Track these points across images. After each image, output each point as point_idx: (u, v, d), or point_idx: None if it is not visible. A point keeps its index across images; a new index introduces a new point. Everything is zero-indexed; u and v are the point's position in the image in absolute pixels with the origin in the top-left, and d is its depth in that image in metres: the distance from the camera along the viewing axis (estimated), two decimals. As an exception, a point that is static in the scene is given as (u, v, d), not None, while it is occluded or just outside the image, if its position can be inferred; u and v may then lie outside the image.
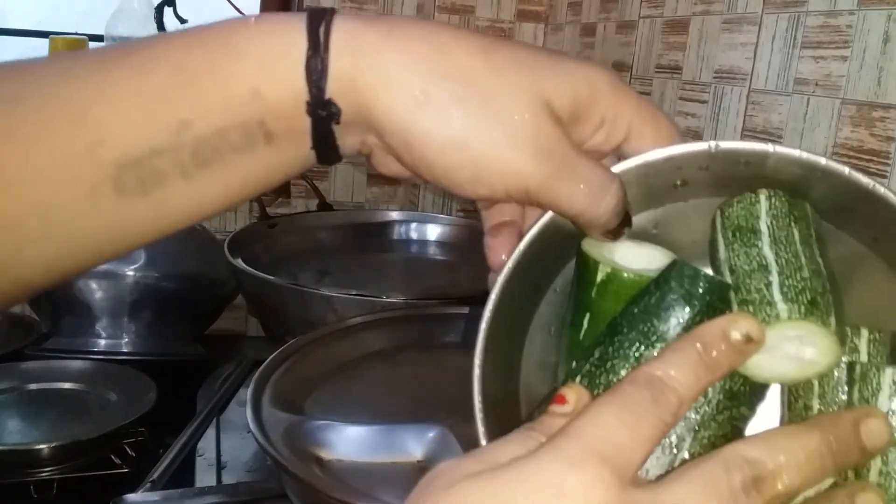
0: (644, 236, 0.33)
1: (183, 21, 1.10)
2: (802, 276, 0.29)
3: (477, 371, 0.30)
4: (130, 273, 1.03)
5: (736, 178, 0.32)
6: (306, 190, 1.29)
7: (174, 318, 1.07)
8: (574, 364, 0.31)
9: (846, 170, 0.29)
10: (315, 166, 0.32)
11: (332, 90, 0.28)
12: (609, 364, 0.29)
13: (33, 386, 0.91)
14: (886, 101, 0.54)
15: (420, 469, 0.57)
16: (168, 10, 1.09)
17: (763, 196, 0.31)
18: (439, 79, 0.28)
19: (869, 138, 0.55)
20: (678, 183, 0.33)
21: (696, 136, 0.77)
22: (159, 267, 1.04)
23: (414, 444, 0.59)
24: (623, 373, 0.29)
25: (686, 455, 0.28)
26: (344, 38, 0.28)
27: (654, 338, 0.29)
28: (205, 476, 0.73)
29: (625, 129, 0.31)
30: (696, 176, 0.32)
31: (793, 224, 0.30)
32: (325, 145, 0.29)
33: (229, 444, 0.78)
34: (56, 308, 1.05)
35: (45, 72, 0.29)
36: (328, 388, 0.70)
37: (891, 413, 0.27)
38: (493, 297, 0.30)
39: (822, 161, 0.29)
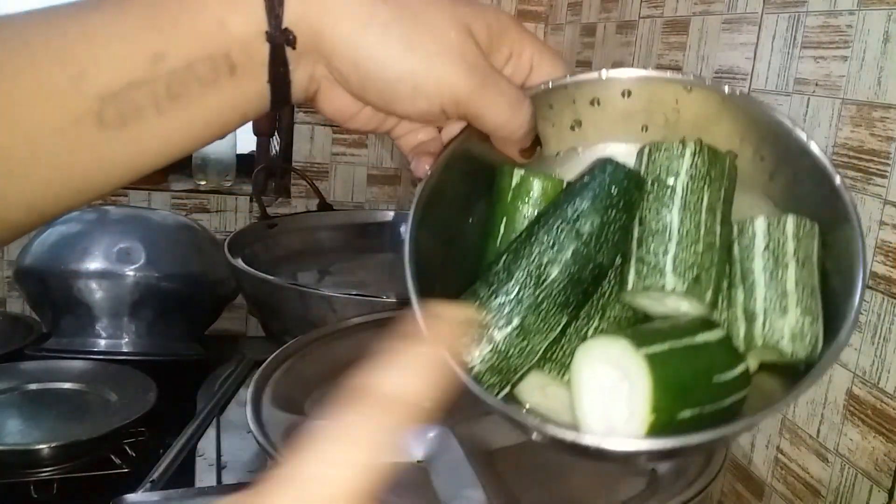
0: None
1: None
2: (696, 251, 0.33)
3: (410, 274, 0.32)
4: (130, 273, 1.03)
5: (625, 116, 0.36)
6: (306, 190, 1.29)
7: (174, 319, 1.07)
8: (503, 246, 0.35)
9: (705, 80, 0.33)
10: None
11: (289, 19, 0.31)
12: (534, 238, 0.33)
13: (33, 386, 0.91)
14: (886, 101, 0.54)
15: (420, 469, 0.57)
16: None
17: (689, 151, 0.34)
18: (379, 3, 0.31)
19: (869, 138, 0.55)
20: (573, 123, 0.37)
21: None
22: (159, 267, 1.04)
23: (414, 444, 0.59)
24: (546, 241, 0.33)
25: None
26: None
27: (577, 215, 0.33)
28: (205, 476, 0.73)
29: (528, 62, 0.35)
30: (589, 114, 0.37)
31: (706, 187, 0.34)
32: (279, 76, 0.32)
33: (229, 444, 0.78)
34: (56, 308, 1.05)
35: (26, 19, 0.31)
36: (328, 388, 0.70)
37: (765, 250, 0.33)
38: (417, 197, 0.33)
39: (680, 76, 0.34)
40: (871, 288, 0.55)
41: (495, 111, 0.33)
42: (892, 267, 0.53)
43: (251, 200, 1.32)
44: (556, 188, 0.36)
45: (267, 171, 1.27)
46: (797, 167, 0.33)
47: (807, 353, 0.31)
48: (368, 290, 0.84)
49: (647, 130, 0.36)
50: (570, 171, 0.38)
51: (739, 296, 0.33)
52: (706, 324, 0.32)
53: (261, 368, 0.67)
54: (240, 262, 0.92)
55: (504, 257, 0.34)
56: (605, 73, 0.35)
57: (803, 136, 0.32)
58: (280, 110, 0.35)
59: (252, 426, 0.59)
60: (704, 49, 0.76)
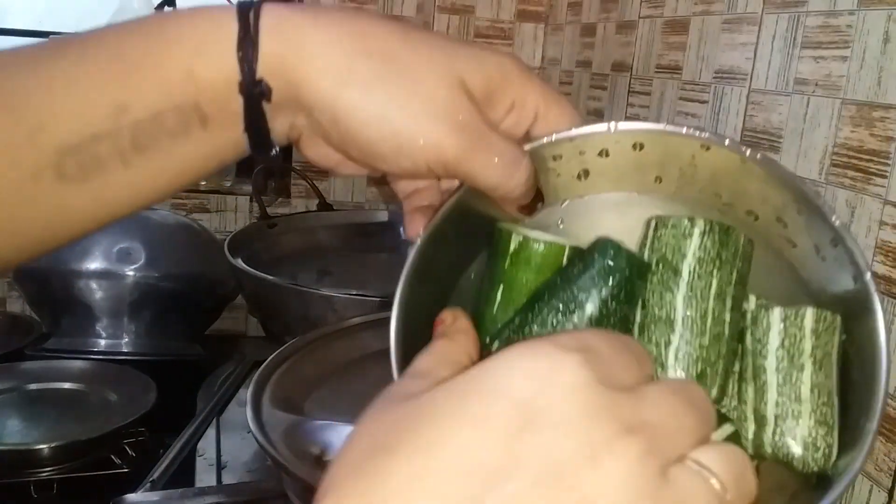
0: (550, 232, 0.35)
1: (183, 21, 1.10)
2: (701, 344, 0.31)
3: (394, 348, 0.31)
4: (130, 273, 1.03)
5: (637, 167, 0.34)
6: (306, 190, 1.29)
7: (174, 318, 1.07)
8: (494, 331, 0.33)
9: (726, 139, 0.31)
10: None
11: (263, 70, 0.29)
12: (527, 329, 0.31)
13: (33, 386, 0.91)
14: (886, 102, 0.54)
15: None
16: (168, 10, 1.08)
17: (697, 230, 0.32)
18: (362, 56, 0.29)
19: (869, 138, 0.55)
20: (580, 173, 0.35)
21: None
22: (159, 267, 1.04)
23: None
24: (538, 333, 0.30)
25: None
26: (272, 21, 0.29)
27: (573, 306, 0.31)
28: (205, 476, 0.73)
29: (533, 112, 0.33)
30: (597, 165, 0.34)
31: (715, 270, 0.31)
32: (257, 127, 0.30)
33: (229, 444, 0.78)
34: (56, 308, 1.05)
35: None
36: (328, 388, 0.70)
37: (780, 347, 0.31)
38: (408, 265, 0.32)
39: (705, 134, 0.31)
40: (870, 288, 0.55)
41: (488, 173, 0.30)
42: (892, 267, 0.53)
43: (251, 200, 1.32)
44: (558, 254, 0.33)
45: (267, 171, 1.27)
46: (820, 241, 0.31)
47: (819, 466, 0.30)
48: (368, 290, 0.84)
49: (660, 182, 0.34)
50: (577, 220, 0.36)
51: (750, 393, 0.31)
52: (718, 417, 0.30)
53: (261, 368, 0.67)
54: (240, 262, 0.92)
55: (496, 345, 0.31)
56: (614, 126, 0.33)
57: (835, 218, 0.30)
58: (264, 156, 0.33)
59: (252, 426, 0.59)
60: (704, 49, 0.76)
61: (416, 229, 0.33)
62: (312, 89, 0.29)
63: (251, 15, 0.29)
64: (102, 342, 1.03)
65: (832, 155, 0.58)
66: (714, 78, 0.74)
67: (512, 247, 0.33)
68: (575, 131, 0.33)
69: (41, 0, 1.22)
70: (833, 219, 0.30)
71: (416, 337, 0.31)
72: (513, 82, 0.32)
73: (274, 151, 0.32)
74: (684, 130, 0.32)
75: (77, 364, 0.95)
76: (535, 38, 1.17)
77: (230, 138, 0.31)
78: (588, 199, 0.36)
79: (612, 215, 0.35)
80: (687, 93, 0.79)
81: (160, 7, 1.09)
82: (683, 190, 0.33)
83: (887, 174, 0.53)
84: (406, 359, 0.30)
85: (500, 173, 0.31)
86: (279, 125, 0.31)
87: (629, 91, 0.91)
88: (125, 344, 1.04)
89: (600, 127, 0.33)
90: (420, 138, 0.29)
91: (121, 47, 0.30)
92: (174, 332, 1.07)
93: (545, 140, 0.33)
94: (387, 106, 0.29)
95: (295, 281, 0.90)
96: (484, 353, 0.32)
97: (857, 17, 0.57)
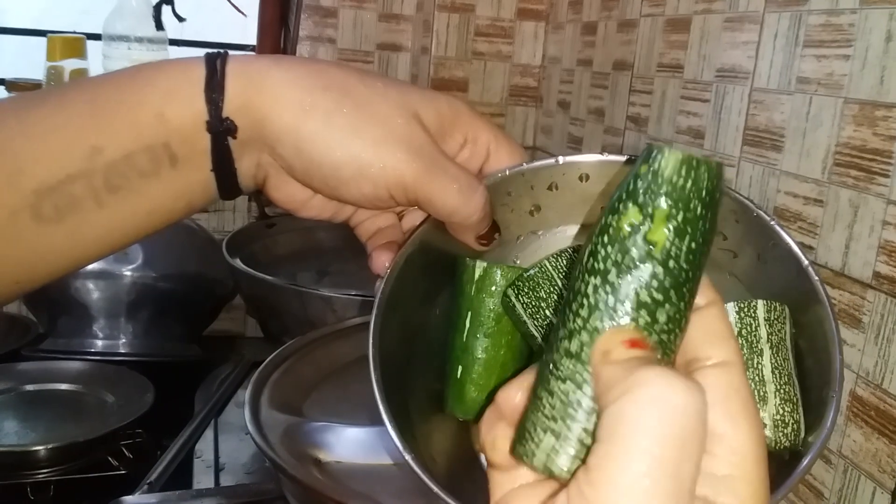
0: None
1: (181, 19, 1.09)
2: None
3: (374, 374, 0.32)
4: (128, 273, 1.02)
5: (584, 199, 0.35)
6: (305, 190, 1.29)
7: (172, 319, 1.07)
8: (467, 358, 0.35)
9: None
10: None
11: (229, 109, 0.31)
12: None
13: (30, 387, 0.90)
14: (889, 101, 0.53)
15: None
16: (166, 9, 1.08)
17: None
18: (321, 90, 0.32)
19: (871, 137, 0.55)
20: (532, 209, 0.37)
21: (698, 135, 0.76)
22: (157, 267, 1.04)
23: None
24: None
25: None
26: (238, 66, 0.32)
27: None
28: (203, 478, 0.73)
29: (485, 149, 0.35)
30: (547, 199, 0.36)
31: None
32: (224, 166, 0.32)
33: (227, 445, 0.78)
34: (53, 308, 1.05)
35: None
36: (327, 390, 0.69)
37: (738, 336, 0.32)
38: (380, 294, 0.33)
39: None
40: (874, 288, 0.54)
41: (445, 196, 0.32)
42: (895, 266, 0.53)
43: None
44: (520, 273, 0.35)
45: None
46: (760, 247, 0.33)
47: (790, 442, 0.31)
48: (368, 290, 0.83)
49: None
50: (531, 255, 0.37)
51: None
52: None
53: (259, 369, 0.67)
54: (238, 262, 0.92)
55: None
56: (561, 159, 0.35)
57: (766, 216, 0.32)
58: (230, 200, 0.35)
59: (250, 428, 0.58)
60: (706, 48, 0.76)
61: (382, 263, 0.35)
62: (276, 123, 0.31)
63: (218, 62, 0.32)
64: (99, 343, 1.03)
65: (835, 154, 0.58)
66: (716, 77, 0.74)
67: (476, 274, 0.35)
68: (526, 165, 0.35)
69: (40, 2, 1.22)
70: (769, 219, 0.31)
71: (391, 362, 0.32)
72: (464, 120, 0.34)
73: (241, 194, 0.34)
74: (623, 159, 0.33)
75: (74, 365, 0.95)
76: (536, 37, 1.17)
77: (198, 179, 0.32)
78: (542, 235, 0.38)
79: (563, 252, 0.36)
80: (688, 92, 0.79)
81: (158, 6, 1.08)
82: None
83: (890, 174, 0.53)
84: (385, 385, 0.31)
85: (458, 197, 0.32)
86: (245, 164, 0.33)
87: (630, 90, 0.91)
88: (122, 345, 1.03)
89: (548, 161, 0.35)
90: (379, 161, 0.31)
91: (96, 94, 0.32)
92: (172, 332, 1.07)
93: (499, 175, 0.35)
94: (346, 133, 0.31)
95: (294, 281, 0.90)
96: (457, 383, 0.34)
97: (859, 16, 0.56)
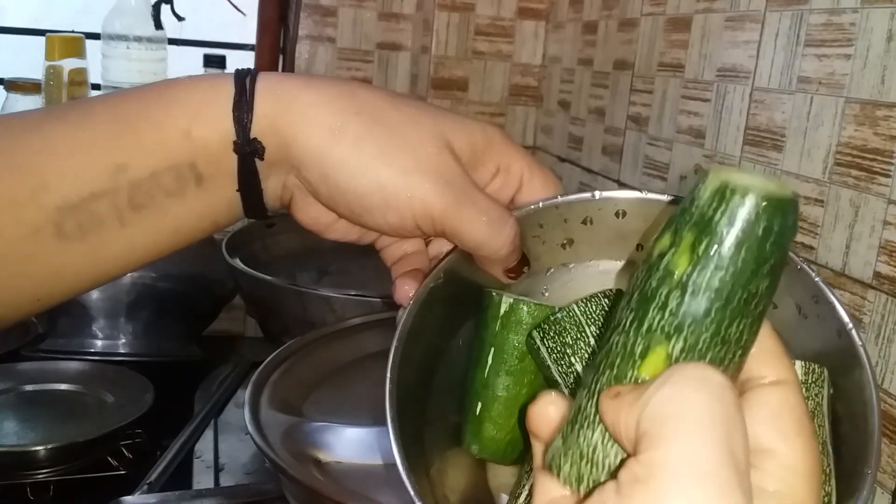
0: (537, 300, 0.36)
1: (180, 19, 1.09)
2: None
3: (389, 412, 0.31)
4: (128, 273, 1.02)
5: (619, 235, 0.34)
6: (305, 189, 1.28)
7: (171, 319, 1.07)
8: (489, 396, 0.33)
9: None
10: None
11: (257, 130, 0.30)
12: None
13: (29, 387, 0.90)
14: (890, 100, 0.53)
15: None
16: (165, 8, 1.08)
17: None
18: (351, 114, 0.31)
19: (873, 137, 0.54)
20: (565, 242, 0.35)
21: (699, 134, 0.76)
22: (157, 267, 1.03)
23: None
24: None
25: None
26: (267, 85, 0.31)
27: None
28: (202, 478, 0.72)
29: (518, 179, 0.34)
30: (581, 233, 0.35)
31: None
32: (250, 186, 0.32)
33: (227, 445, 0.78)
34: (53, 308, 1.04)
35: None
36: (327, 390, 0.69)
37: None
38: (401, 327, 0.31)
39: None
40: (874, 288, 0.54)
41: (473, 229, 0.31)
42: (895, 266, 0.53)
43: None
44: (547, 315, 0.34)
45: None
46: (802, 300, 0.31)
47: None
48: (368, 290, 0.84)
49: (642, 249, 0.34)
50: (561, 288, 0.36)
51: None
52: None
53: (259, 370, 0.67)
54: (238, 262, 0.92)
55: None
56: (598, 194, 0.33)
57: (810, 271, 0.30)
58: (256, 219, 0.34)
59: (250, 428, 0.58)
60: (707, 47, 0.76)
61: (406, 293, 0.33)
62: (303, 146, 0.30)
63: (248, 80, 0.31)
64: (99, 343, 1.02)
65: (836, 154, 0.58)
66: (717, 76, 0.74)
67: (502, 310, 0.34)
68: (560, 199, 0.33)
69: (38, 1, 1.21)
70: (814, 275, 0.30)
71: (408, 392, 0.31)
72: (497, 148, 0.33)
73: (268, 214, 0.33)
74: (664, 197, 0.32)
75: (74, 365, 0.94)
76: (536, 36, 1.16)
77: (224, 198, 0.32)
78: (573, 268, 0.36)
79: (597, 284, 0.35)
80: (689, 91, 0.79)
81: (157, 5, 1.08)
82: None
83: (891, 173, 0.53)
84: (401, 414, 0.29)
85: (486, 230, 0.31)
86: (272, 185, 0.32)
87: (631, 89, 0.91)
88: (122, 345, 1.03)
89: (584, 195, 0.33)
90: (407, 192, 0.30)
91: (121, 110, 0.31)
92: (171, 332, 1.07)
93: (531, 207, 0.33)
94: (375, 160, 0.30)
95: (293, 281, 0.90)
96: (475, 419, 0.33)
97: (860, 15, 0.56)
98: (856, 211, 0.55)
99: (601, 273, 0.36)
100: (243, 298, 1.02)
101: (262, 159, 0.31)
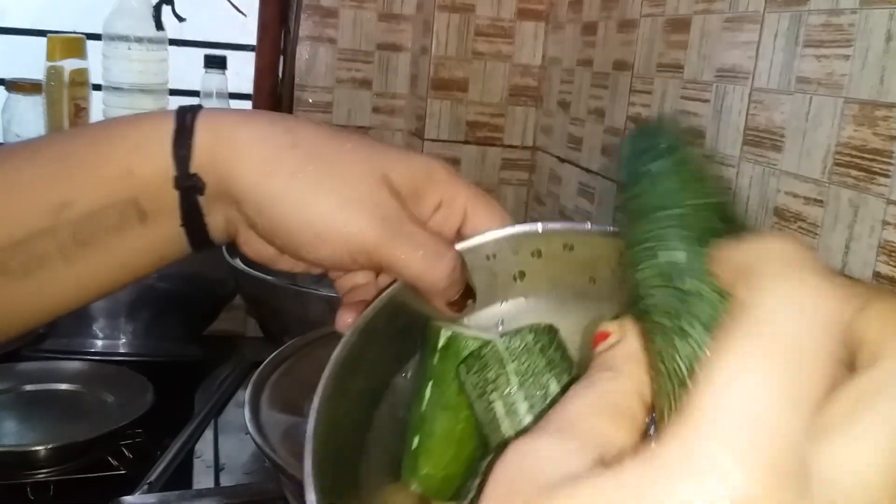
0: (489, 333, 0.35)
1: (181, 19, 1.09)
2: None
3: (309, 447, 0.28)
4: (128, 273, 1.02)
5: (570, 268, 0.34)
6: (305, 190, 1.29)
7: (172, 319, 1.07)
8: (425, 429, 0.32)
9: None
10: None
11: (196, 165, 0.31)
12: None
13: (30, 387, 0.90)
14: (889, 101, 0.53)
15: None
16: (166, 9, 1.08)
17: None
18: (288, 149, 0.31)
19: (872, 137, 0.55)
20: (517, 274, 0.35)
21: (699, 134, 0.76)
22: (157, 267, 1.03)
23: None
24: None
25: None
26: (207, 121, 0.31)
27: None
28: (202, 478, 0.73)
29: (461, 211, 0.34)
30: (532, 265, 0.34)
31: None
32: (193, 221, 0.32)
33: (227, 445, 0.78)
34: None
35: None
36: (327, 390, 0.69)
37: None
38: (335, 357, 0.31)
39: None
40: (874, 288, 0.54)
41: (409, 263, 0.31)
42: (895, 267, 0.53)
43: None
44: (472, 350, 0.32)
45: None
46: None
47: None
48: (367, 290, 0.83)
49: (595, 283, 0.34)
50: (517, 320, 0.35)
51: None
52: None
53: (259, 370, 0.67)
54: (238, 262, 0.92)
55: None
56: (540, 227, 0.33)
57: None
58: (203, 252, 0.35)
59: (250, 428, 0.58)
60: (706, 48, 0.76)
61: (345, 321, 0.34)
62: (240, 181, 0.31)
63: (188, 116, 0.31)
64: (99, 343, 1.02)
65: (835, 154, 0.58)
66: (716, 77, 0.74)
67: (441, 342, 0.33)
68: (502, 231, 0.33)
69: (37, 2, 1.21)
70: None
71: (340, 427, 0.30)
72: (439, 181, 0.33)
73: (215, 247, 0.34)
74: (609, 229, 0.32)
75: (74, 365, 0.94)
76: (536, 37, 1.16)
77: (168, 233, 0.32)
78: (528, 301, 0.36)
79: (552, 318, 0.34)
80: (688, 92, 0.79)
81: (158, 6, 1.08)
82: (619, 291, 0.33)
83: (890, 174, 0.53)
84: (325, 457, 0.27)
85: (422, 264, 0.31)
86: (215, 220, 0.33)
87: (630, 90, 0.91)
88: (122, 345, 1.03)
89: (528, 227, 0.33)
90: (340, 226, 0.31)
91: (67, 148, 0.32)
92: (172, 332, 1.07)
93: (474, 239, 0.33)
94: (307, 195, 0.31)
95: (294, 281, 0.90)
96: (412, 454, 0.32)
97: (859, 16, 0.56)
98: (855, 211, 0.56)
99: (556, 306, 0.35)
100: (243, 298, 1.02)
101: (203, 194, 0.31)
